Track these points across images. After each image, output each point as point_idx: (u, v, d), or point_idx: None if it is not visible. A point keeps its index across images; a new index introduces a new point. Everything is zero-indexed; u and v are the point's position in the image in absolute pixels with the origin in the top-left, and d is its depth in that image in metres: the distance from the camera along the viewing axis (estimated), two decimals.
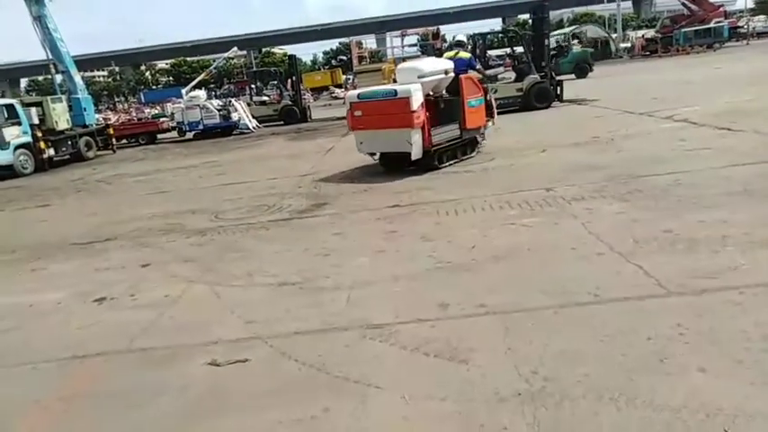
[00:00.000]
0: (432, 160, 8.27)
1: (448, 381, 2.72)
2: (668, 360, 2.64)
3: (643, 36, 51.17)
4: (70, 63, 18.86)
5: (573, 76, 25.96)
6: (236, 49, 32.09)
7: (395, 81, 9.34)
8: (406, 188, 7.29)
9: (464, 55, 9.10)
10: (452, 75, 8.64)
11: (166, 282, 4.76)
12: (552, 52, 21.74)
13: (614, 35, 56.31)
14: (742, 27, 47.92)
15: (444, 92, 8.83)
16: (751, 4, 69.46)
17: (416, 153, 8.04)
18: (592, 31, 56.81)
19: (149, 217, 7.56)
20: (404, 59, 19.49)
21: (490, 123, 9.49)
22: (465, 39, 10.21)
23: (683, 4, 46.23)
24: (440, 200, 6.38)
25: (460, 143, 8.74)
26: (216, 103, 22.39)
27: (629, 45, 52.37)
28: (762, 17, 51.83)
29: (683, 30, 43.15)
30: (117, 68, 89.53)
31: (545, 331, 3.07)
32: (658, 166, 6.60)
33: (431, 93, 8.64)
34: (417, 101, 7.84)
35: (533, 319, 3.23)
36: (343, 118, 22.30)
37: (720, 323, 2.91)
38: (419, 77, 8.14)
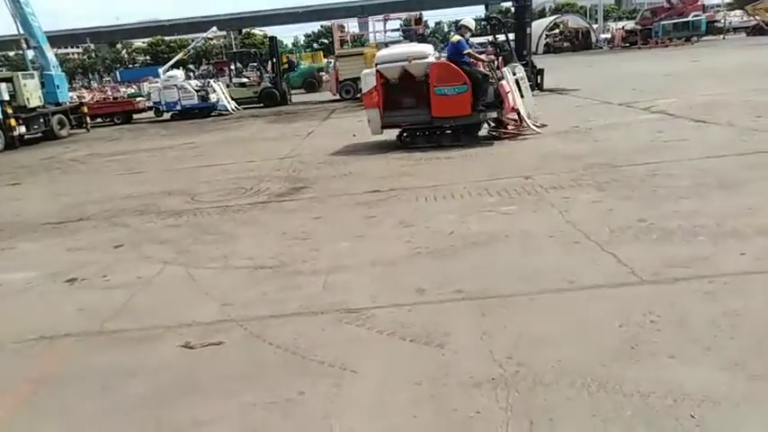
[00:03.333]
0: (399, 139, 9.10)
1: (423, 365, 2.72)
2: (639, 347, 2.68)
3: (623, 28, 51.61)
4: (42, 38, 18.28)
5: (303, 90, 29.86)
6: (215, 29, 31.39)
7: (376, 65, 9.37)
8: (386, 174, 7.27)
9: (454, 39, 8.98)
10: (426, 60, 8.62)
11: (140, 263, 4.68)
12: (283, 66, 23.61)
13: (595, 26, 56.73)
14: (719, 21, 48.65)
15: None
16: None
17: (373, 130, 9.20)
18: (573, 21, 57.23)
19: (124, 197, 7.42)
20: (386, 44, 19.36)
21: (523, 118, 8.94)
22: (471, 22, 9.59)
23: None
24: (420, 186, 6.38)
25: (446, 129, 8.69)
26: (194, 83, 21.96)
27: (609, 36, 52.80)
28: (738, 12, 52.57)
29: (662, 22, 43.63)
30: (92, 46, 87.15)
31: (520, 317, 3.10)
32: (635, 156, 6.68)
33: (394, 78, 8.93)
34: (368, 84, 8.95)
35: (509, 305, 3.25)
36: (324, 101, 22.16)
37: (690, 311, 2.97)
38: (376, 64, 8.97)
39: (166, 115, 21.00)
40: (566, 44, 51.97)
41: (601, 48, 50.20)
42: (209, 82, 22.20)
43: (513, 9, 10.91)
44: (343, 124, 13.85)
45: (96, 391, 2.81)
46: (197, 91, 20.72)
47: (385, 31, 25.55)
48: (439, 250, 4.26)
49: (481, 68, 8.76)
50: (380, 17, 25.50)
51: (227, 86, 22.89)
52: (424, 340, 2.95)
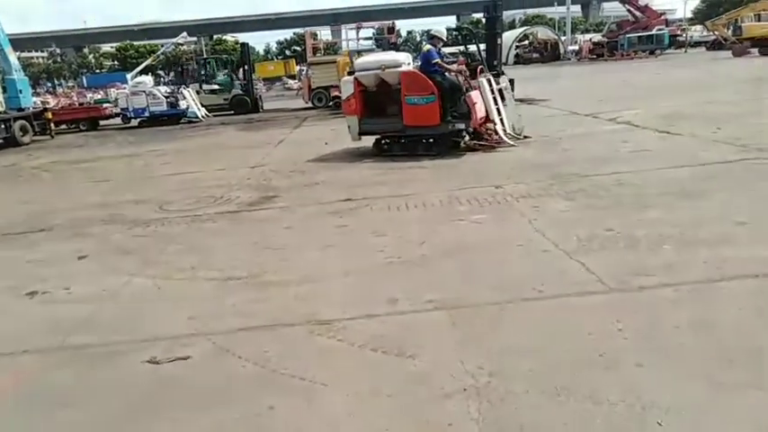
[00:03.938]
0: (377, 147, 9.17)
1: (395, 377, 2.71)
2: (607, 355, 2.72)
3: (590, 40, 52.85)
4: (4, 41, 17.77)
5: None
6: (185, 34, 31.06)
7: (349, 74, 9.42)
8: (358, 182, 7.25)
9: (425, 48, 9.04)
10: (397, 69, 8.65)
11: (105, 275, 4.55)
12: (202, 78, 22.81)
13: (563, 38, 57.99)
14: (681, 35, 50.24)
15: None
16: (689, 15, 73.03)
17: (352, 136, 9.34)
18: (542, 32, 58.43)
19: (89, 206, 7.23)
20: (359, 53, 19.38)
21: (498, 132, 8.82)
22: (443, 32, 9.48)
23: (629, 10, 48.00)
24: (392, 195, 6.38)
25: (421, 137, 8.68)
26: (163, 89, 21.63)
27: (577, 48, 53.99)
28: (698, 27, 54.45)
29: (627, 35, 44.82)
30: (58, 50, 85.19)
31: (491, 326, 3.11)
32: (602, 166, 6.82)
33: (372, 85, 9.04)
34: (347, 92, 9.15)
35: (480, 315, 3.26)
36: (296, 109, 22.06)
37: (656, 319, 3.03)
38: (354, 71, 9.15)
39: (134, 122, 20.62)
40: (535, 55, 52.99)
41: (569, 59, 51.30)
42: (178, 88, 21.90)
43: (484, 20, 11.00)
44: (315, 132, 13.82)
45: (57, 410, 2.72)
46: (166, 97, 20.41)
47: (358, 40, 25.60)
48: (411, 260, 4.26)
49: (456, 78, 8.73)
50: (353, 25, 25.53)
51: (198, 93, 22.60)
52: (395, 351, 2.94)
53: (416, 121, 8.54)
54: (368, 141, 9.73)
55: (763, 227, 4.27)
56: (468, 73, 8.86)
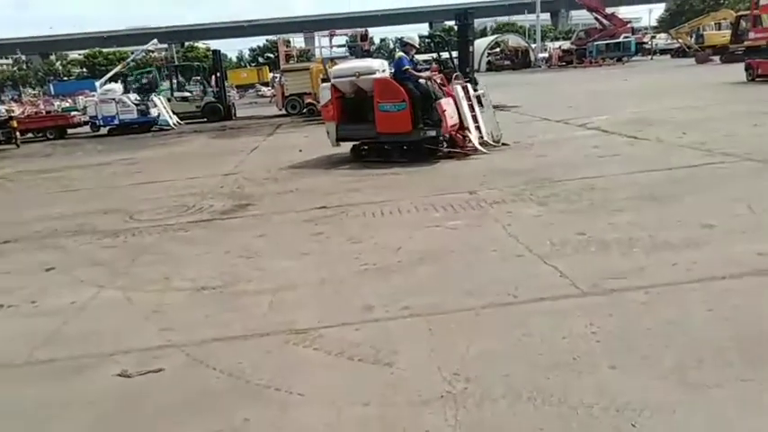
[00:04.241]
0: (355, 153, 9.29)
1: (371, 385, 2.69)
2: (581, 358, 2.75)
3: (560, 47, 53.94)
4: None
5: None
6: (156, 41, 30.67)
7: (323, 81, 9.46)
8: (333, 190, 7.23)
9: (397, 55, 9.08)
10: (371, 76, 8.67)
11: (73, 287, 4.43)
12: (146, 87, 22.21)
13: (534, 45, 58.99)
14: (647, 43, 51.60)
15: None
16: (654, 23, 75.09)
17: (331, 142, 9.41)
18: (513, 40, 59.36)
19: (56, 217, 7.04)
20: (332, 60, 19.42)
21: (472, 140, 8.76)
22: (415, 38, 9.56)
23: (596, 18, 49.14)
24: (367, 201, 6.37)
25: (399, 144, 8.68)
26: (133, 97, 21.26)
27: (547, 55, 54.99)
28: (663, 35, 55.99)
29: (595, 43, 45.83)
30: (23, 57, 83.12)
31: (467, 332, 3.12)
32: (573, 171, 6.93)
33: (349, 92, 9.12)
34: (325, 98, 9.27)
35: (456, 321, 3.27)
36: (270, 117, 21.94)
37: (628, 322, 3.08)
38: (332, 77, 9.23)
39: (103, 130, 20.19)
40: (506, 62, 53.81)
41: (539, 66, 52.20)
42: (149, 95, 21.57)
43: (456, 28, 11.12)
44: (289, 140, 13.75)
45: (23, 428, 2.63)
46: (136, 105, 20.07)
47: (331, 47, 25.65)
48: (387, 267, 4.26)
49: (428, 85, 8.72)
50: (326, 33, 25.57)
51: (169, 100, 22.29)
52: (372, 359, 2.92)
53: (389, 128, 8.54)
54: (342, 148, 9.73)
55: (729, 229, 4.38)
56: (439, 80, 8.92)
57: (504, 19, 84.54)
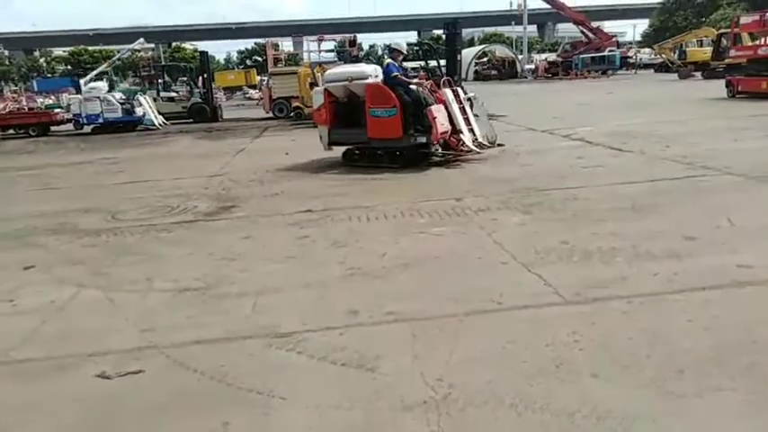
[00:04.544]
0: (347, 157, 9.28)
1: (355, 389, 2.68)
2: (564, 366, 2.76)
3: (546, 59, 54.52)
4: None
5: None
6: (142, 40, 30.32)
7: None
8: (319, 194, 7.21)
9: (385, 62, 9.11)
10: (363, 81, 8.68)
11: (53, 286, 4.35)
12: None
13: (520, 56, 59.59)
14: (631, 57, 52.43)
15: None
16: (638, 38, 76.37)
17: (323, 146, 9.45)
18: (500, 50, 59.90)
19: (36, 215, 6.93)
20: (320, 65, 19.40)
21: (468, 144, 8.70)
22: (403, 45, 9.61)
23: (582, 31, 49.82)
24: (353, 206, 6.37)
25: (390, 149, 8.66)
26: (118, 95, 21.04)
27: (533, 67, 55.54)
28: (647, 50, 56.93)
29: (581, 56, 46.44)
30: (6, 52, 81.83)
31: (451, 338, 3.12)
32: (557, 180, 7.00)
33: (341, 96, 9.11)
34: (317, 102, 9.29)
35: (440, 327, 3.27)
36: (257, 119, 21.85)
37: (610, 330, 3.10)
38: (325, 82, 9.20)
39: (87, 128, 19.95)
40: (493, 72, 54.23)
41: (526, 77, 52.69)
42: (134, 95, 21.37)
43: (444, 36, 11.19)
44: (276, 143, 13.70)
45: None
46: (121, 104, 19.86)
47: (319, 52, 25.65)
48: (371, 271, 4.25)
49: (419, 92, 8.69)
50: (315, 37, 25.57)
51: (155, 100, 22.10)
52: (355, 364, 2.91)
53: (380, 134, 8.55)
54: (329, 153, 9.72)
55: (709, 241, 4.45)
56: (428, 86, 8.95)
57: (492, 30, 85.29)
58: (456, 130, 8.87)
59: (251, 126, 19.21)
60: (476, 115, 9.26)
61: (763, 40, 18.14)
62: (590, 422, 2.32)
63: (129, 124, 19.79)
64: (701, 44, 36.04)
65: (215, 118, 22.25)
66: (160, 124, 20.54)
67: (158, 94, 23.81)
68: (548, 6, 51.84)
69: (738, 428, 2.25)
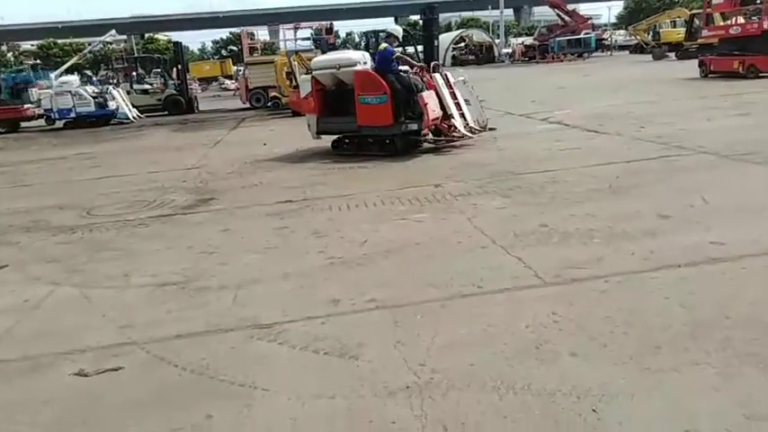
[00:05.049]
0: (336, 146, 9.20)
1: (337, 378, 2.68)
2: (544, 346, 2.80)
3: (523, 43, 54.62)
4: None
5: None
6: (114, 32, 29.58)
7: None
8: (298, 184, 7.16)
9: (381, 47, 8.91)
10: (352, 69, 8.50)
11: (27, 285, 4.27)
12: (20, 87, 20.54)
13: (497, 41, 59.61)
14: (606, 39, 52.77)
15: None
16: (613, 20, 76.92)
17: (311, 135, 9.31)
18: (477, 35, 59.81)
19: (9, 213, 6.78)
20: (297, 53, 19.18)
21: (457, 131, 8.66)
22: (399, 30, 9.49)
23: (558, 14, 49.92)
24: (333, 195, 6.34)
25: (381, 137, 8.55)
26: (91, 89, 20.59)
27: (510, 51, 55.62)
28: (622, 32, 57.36)
29: (557, 39, 46.60)
30: None
31: (433, 324, 3.14)
32: (536, 164, 7.05)
33: (329, 84, 8.98)
34: (305, 90, 9.19)
35: (422, 312, 3.29)
36: (234, 110, 21.58)
37: (589, 310, 3.14)
38: (313, 70, 9.04)
39: (59, 123, 19.52)
40: (471, 57, 54.17)
41: (503, 61, 52.78)
42: (108, 88, 20.93)
43: (421, 22, 11.13)
44: (254, 133, 13.56)
45: None
46: (94, 97, 19.44)
47: (296, 40, 25.33)
48: (352, 260, 4.24)
49: (409, 78, 8.53)
50: (291, 26, 25.26)
51: (128, 93, 21.69)
52: (338, 352, 2.91)
53: (370, 121, 8.42)
54: (308, 142, 9.66)
55: (684, 219, 4.52)
56: (419, 71, 8.82)
57: (469, 14, 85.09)
58: (447, 116, 8.79)
59: (228, 117, 18.97)
60: (466, 100, 9.20)
61: (734, 19, 18.39)
62: (570, 400, 2.36)
63: (102, 118, 19.42)
64: (674, 25, 36.43)
65: (191, 110, 21.95)
66: (134, 117, 20.18)
67: (132, 86, 23.37)
68: None
69: (713, 401, 2.30)
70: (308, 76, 9.22)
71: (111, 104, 19.66)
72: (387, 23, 75.72)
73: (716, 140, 7.42)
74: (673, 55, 31.52)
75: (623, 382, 2.45)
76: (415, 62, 8.87)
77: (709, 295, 3.22)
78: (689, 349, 2.67)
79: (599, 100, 13.81)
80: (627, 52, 47.34)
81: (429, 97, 8.40)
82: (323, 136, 9.33)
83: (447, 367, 2.68)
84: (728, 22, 18.91)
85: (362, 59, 8.86)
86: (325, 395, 2.55)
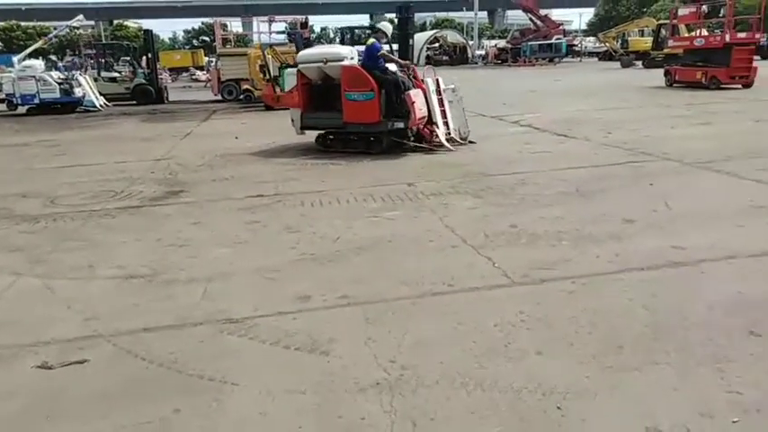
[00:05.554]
0: (320, 142, 9.02)
1: (308, 373, 2.69)
2: (511, 345, 2.86)
3: (496, 45, 55.20)
4: None
5: None
6: (81, 17, 28.70)
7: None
8: (272, 178, 7.11)
9: (368, 42, 8.76)
10: (339, 63, 8.35)
11: None
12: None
13: (471, 42, 60.11)
14: (577, 46, 53.83)
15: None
16: (584, 26, 78.43)
17: (295, 130, 9.13)
18: (452, 36, 60.18)
19: None
20: (271, 46, 18.97)
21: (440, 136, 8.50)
22: (389, 26, 9.27)
23: (531, 19, 50.61)
24: (306, 191, 6.32)
25: (366, 134, 8.45)
26: (56, 75, 19.94)
27: (484, 53, 56.13)
28: (592, 38, 58.53)
29: (529, 43, 47.27)
30: None
31: (403, 321, 3.17)
32: (506, 166, 7.16)
33: (315, 79, 8.84)
34: (290, 84, 9.19)
35: (393, 309, 3.32)
36: (205, 101, 21.23)
37: (555, 310, 3.23)
38: (299, 63, 8.94)
39: (22, 109, 18.86)
40: (445, 58, 54.40)
41: (476, 63, 53.22)
42: (74, 74, 20.33)
43: (396, 20, 11.16)
44: (225, 126, 13.38)
45: None
46: (59, 84, 18.84)
47: (270, 33, 25.10)
48: (324, 256, 4.25)
49: (397, 75, 8.39)
50: (265, 18, 25.00)
51: (96, 80, 21.10)
52: (308, 348, 2.92)
53: (356, 118, 8.29)
54: (282, 137, 9.59)
55: (647, 224, 4.67)
56: (413, 68, 8.76)
57: (443, 15, 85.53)
58: (431, 121, 8.68)
59: (198, 108, 18.65)
60: (450, 101, 9.05)
61: (698, 31, 18.98)
62: (535, 398, 2.42)
63: (67, 105, 18.82)
64: (642, 34, 37.34)
65: (160, 100, 21.47)
66: (101, 106, 19.63)
67: (99, 74, 22.74)
68: None
69: (672, 399, 2.40)
70: (294, 70, 9.01)
71: (78, 91, 19.07)
72: (362, 20, 75.59)
73: (679, 148, 7.67)
74: (640, 63, 32.32)
75: (587, 381, 2.53)
76: (401, 60, 8.75)
77: (669, 298, 3.34)
78: (650, 349, 2.77)
79: (568, 105, 14.10)
80: (596, 59, 48.32)
81: (416, 96, 8.30)
82: (305, 131, 9.12)
83: (417, 364, 2.71)
84: (693, 33, 19.52)
85: (350, 54, 8.73)
86: (296, 390, 2.55)
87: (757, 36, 18.09)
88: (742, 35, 17.34)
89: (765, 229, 4.48)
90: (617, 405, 2.38)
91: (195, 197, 6.31)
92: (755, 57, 17.47)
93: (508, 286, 3.58)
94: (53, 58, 46.46)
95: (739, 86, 16.20)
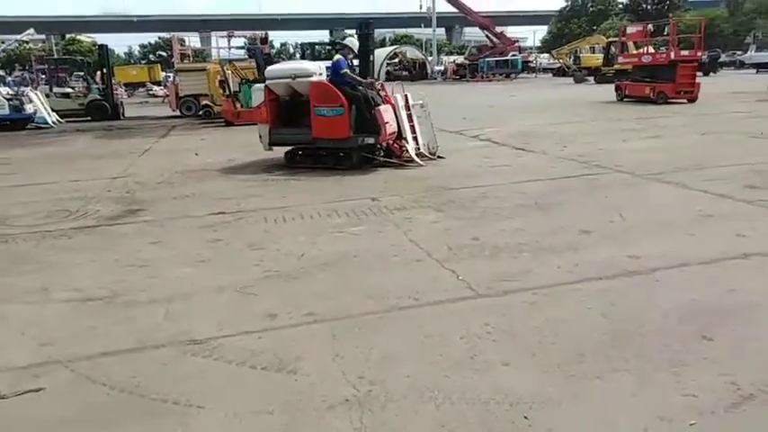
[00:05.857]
0: (289, 158, 8.93)
1: (275, 393, 2.66)
2: (478, 357, 2.90)
3: (454, 61, 56.28)
4: None
5: None
6: (32, 31, 27.84)
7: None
8: (233, 195, 7.03)
9: (335, 58, 8.79)
10: (307, 79, 8.37)
11: None
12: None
13: (430, 58, 61.10)
14: (532, 62, 55.44)
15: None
16: (539, 44, 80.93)
17: (263, 146, 9.05)
18: (411, 52, 60.99)
19: None
20: (230, 62, 18.84)
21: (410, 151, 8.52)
22: (354, 42, 9.32)
23: (487, 36, 51.92)
24: (268, 207, 6.27)
25: (336, 150, 8.41)
26: (5, 90, 19.25)
27: (442, 68, 57.13)
28: (546, 55, 60.41)
29: (486, 59, 48.40)
30: None
31: (370, 336, 3.18)
32: (467, 179, 7.29)
33: (283, 94, 8.82)
34: (258, 99, 9.29)
35: (359, 325, 3.32)
36: (163, 117, 20.84)
37: (519, 321, 3.29)
38: (267, 79, 8.89)
39: None
40: (404, 73, 54.94)
41: (435, 78, 54.08)
42: (24, 90, 19.66)
43: (356, 36, 11.27)
44: (184, 142, 13.16)
45: None
46: (8, 99, 18.18)
47: (229, 48, 24.87)
48: (289, 273, 4.22)
49: (367, 91, 8.41)
50: (224, 33, 24.80)
51: (48, 96, 20.45)
52: (275, 367, 2.88)
53: (325, 134, 8.25)
54: (243, 153, 9.49)
55: (603, 235, 4.83)
56: (380, 85, 8.83)
57: (403, 31, 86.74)
58: (400, 136, 8.72)
59: (156, 125, 18.30)
60: (422, 124, 9.11)
61: (646, 49, 19.84)
62: (503, 408, 2.46)
63: (17, 122, 18.16)
64: (593, 50, 38.75)
65: (116, 116, 20.95)
66: (54, 122, 19.04)
67: (51, 89, 22.06)
68: (455, 10, 53.52)
69: (631, 405, 2.48)
70: (262, 86, 8.98)
71: (29, 108, 18.44)
72: (321, 36, 75.81)
73: (631, 160, 7.97)
74: (592, 79, 33.47)
75: (552, 390, 2.59)
76: (362, 80, 8.67)
77: (626, 306, 3.45)
78: (609, 357, 2.86)
79: (525, 119, 14.49)
80: (550, 75, 49.82)
81: (386, 111, 8.33)
82: (273, 147, 9.04)
83: (385, 379, 2.72)
84: (641, 50, 20.38)
85: (318, 70, 8.75)
86: (264, 410, 2.52)
87: (699, 53, 19.05)
88: (685, 53, 18.21)
89: (714, 237, 4.69)
90: (581, 413, 2.44)
91: (154, 215, 6.17)
92: (698, 73, 18.32)
93: (473, 298, 3.64)
94: (1, 73, 44.87)
95: (685, 101, 16.96)
